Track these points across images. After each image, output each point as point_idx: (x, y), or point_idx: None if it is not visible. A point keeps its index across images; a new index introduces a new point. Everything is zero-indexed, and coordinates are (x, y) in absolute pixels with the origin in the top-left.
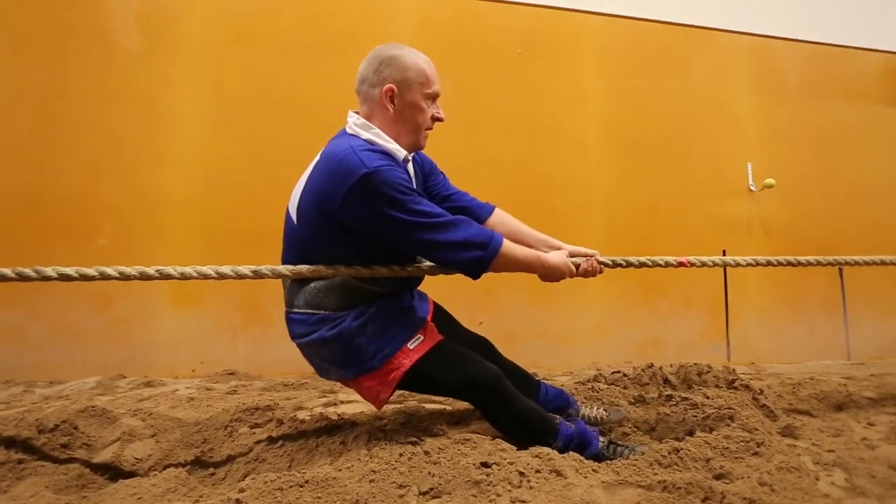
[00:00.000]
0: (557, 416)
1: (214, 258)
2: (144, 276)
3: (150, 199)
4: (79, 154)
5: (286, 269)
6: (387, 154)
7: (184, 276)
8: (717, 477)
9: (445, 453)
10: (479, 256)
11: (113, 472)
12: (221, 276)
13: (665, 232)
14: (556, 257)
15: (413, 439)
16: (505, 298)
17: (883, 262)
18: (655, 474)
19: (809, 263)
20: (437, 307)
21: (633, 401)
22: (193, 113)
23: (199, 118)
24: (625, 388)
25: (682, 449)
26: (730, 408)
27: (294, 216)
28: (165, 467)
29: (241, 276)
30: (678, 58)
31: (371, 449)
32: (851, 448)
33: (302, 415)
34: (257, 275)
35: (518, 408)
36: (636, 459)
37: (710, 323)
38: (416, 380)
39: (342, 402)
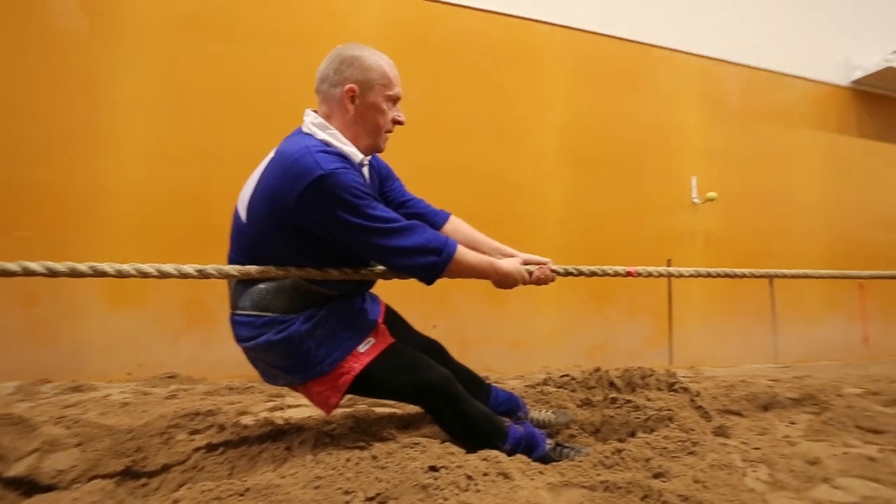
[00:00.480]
0: (507, 420)
1: (156, 255)
2: (75, 273)
3: (86, 189)
4: (3, 137)
5: (234, 269)
6: (343, 156)
7: (121, 274)
8: (656, 476)
9: (393, 458)
10: (433, 262)
11: (28, 486)
12: (164, 275)
13: (617, 241)
14: (510, 264)
15: (361, 444)
16: (460, 303)
17: (807, 276)
18: (598, 475)
19: (745, 276)
20: (389, 310)
21: (580, 404)
22: (138, 101)
23: (144, 106)
24: (573, 391)
25: (624, 450)
26: (669, 409)
27: (243, 214)
28: (91, 479)
29: (184, 276)
30: (635, 74)
31: (317, 454)
32: (775, 445)
33: (246, 420)
34: (203, 275)
35: (468, 411)
36: (581, 461)
37: (655, 329)
38: (366, 384)
39: (289, 407)
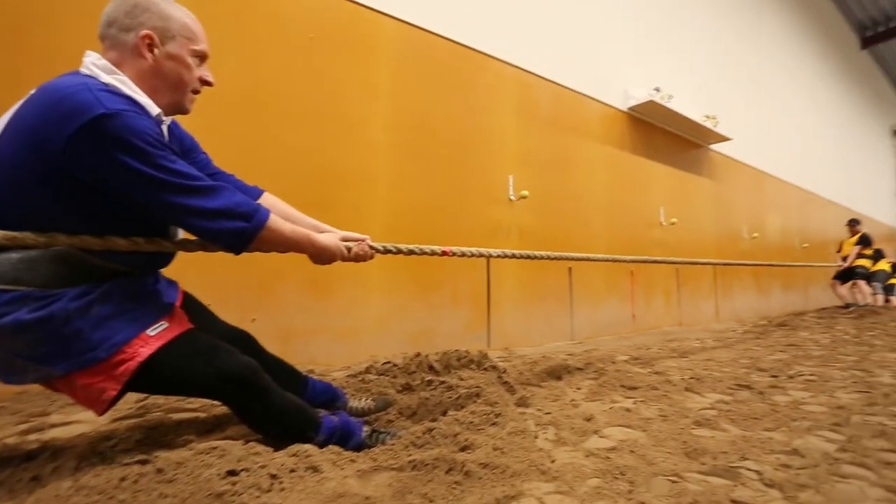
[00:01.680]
0: (321, 410)
1: None
2: None
3: None
4: None
5: None
6: (134, 103)
7: None
8: (463, 449)
9: (185, 468)
10: (242, 228)
11: None
12: None
13: (441, 233)
14: (328, 238)
15: (141, 458)
16: (281, 293)
17: (595, 259)
18: (409, 455)
19: (544, 258)
20: (189, 297)
21: (400, 389)
22: None
23: None
24: (394, 377)
25: (434, 428)
26: (478, 386)
27: None
28: None
29: None
30: (459, 75)
31: (79, 479)
32: (563, 408)
33: None
34: None
35: (276, 403)
36: (394, 443)
37: (474, 314)
38: (154, 374)
39: (54, 426)
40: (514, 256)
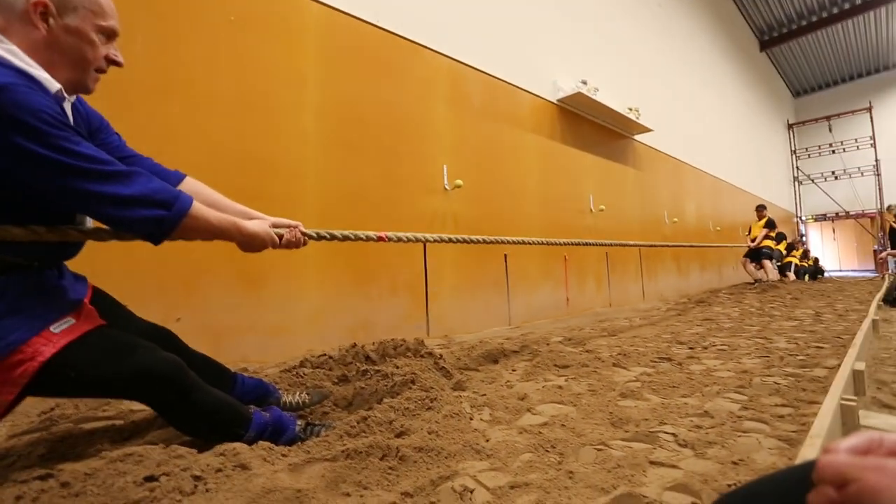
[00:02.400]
0: (252, 407)
1: None
2: None
3: None
4: None
5: None
6: (26, 76)
7: None
8: (398, 435)
9: (95, 479)
10: (161, 216)
11: None
12: None
13: (375, 222)
14: (257, 225)
15: (43, 473)
16: (209, 290)
17: (528, 243)
18: (344, 445)
19: (480, 241)
20: (100, 293)
21: (336, 380)
22: None
23: None
24: (330, 369)
25: (369, 416)
26: (413, 373)
27: None
28: None
29: None
30: (390, 63)
31: None
32: (498, 390)
33: None
34: None
35: (202, 400)
36: (328, 435)
37: (413, 304)
38: (60, 375)
39: None
40: (450, 241)
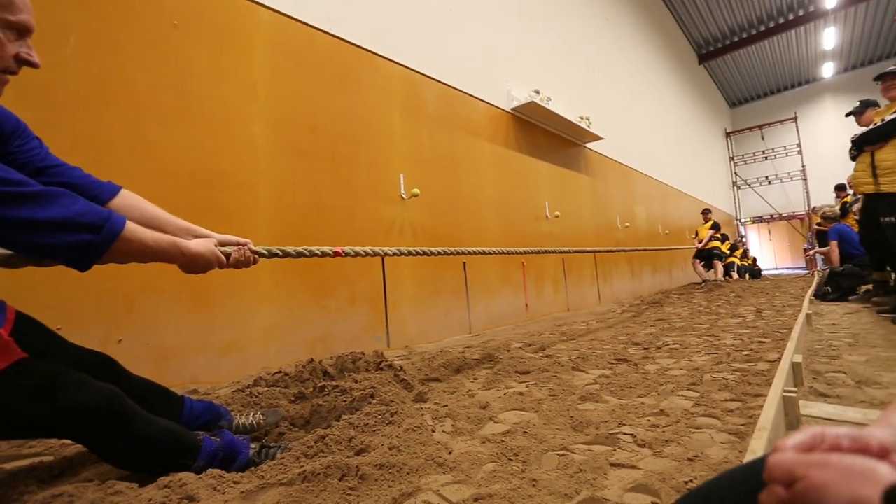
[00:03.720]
0: (200, 433)
1: None
2: None
3: None
4: None
5: None
6: None
7: None
8: (358, 452)
9: None
10: (88, 241)
11: None
12: None
13: (332, 234)
14: (201, 245)
15: None
16: (154, 308)
17: (486, 253)
18: (301, 467)
19: (440, 253)
20: (25, 319)
21: (293, 399)
22: None
23: None
24: (286, 387)
25: (327, 435)
26: (373, 387)
27: None
28: None
29: None
30: (344, 72)
31: None
32: (460, 399)
33: None
34: None
35: (143, 433)
36: (284, 457)
37: (372, 316)
38: None
39: None
40: (408, 254)
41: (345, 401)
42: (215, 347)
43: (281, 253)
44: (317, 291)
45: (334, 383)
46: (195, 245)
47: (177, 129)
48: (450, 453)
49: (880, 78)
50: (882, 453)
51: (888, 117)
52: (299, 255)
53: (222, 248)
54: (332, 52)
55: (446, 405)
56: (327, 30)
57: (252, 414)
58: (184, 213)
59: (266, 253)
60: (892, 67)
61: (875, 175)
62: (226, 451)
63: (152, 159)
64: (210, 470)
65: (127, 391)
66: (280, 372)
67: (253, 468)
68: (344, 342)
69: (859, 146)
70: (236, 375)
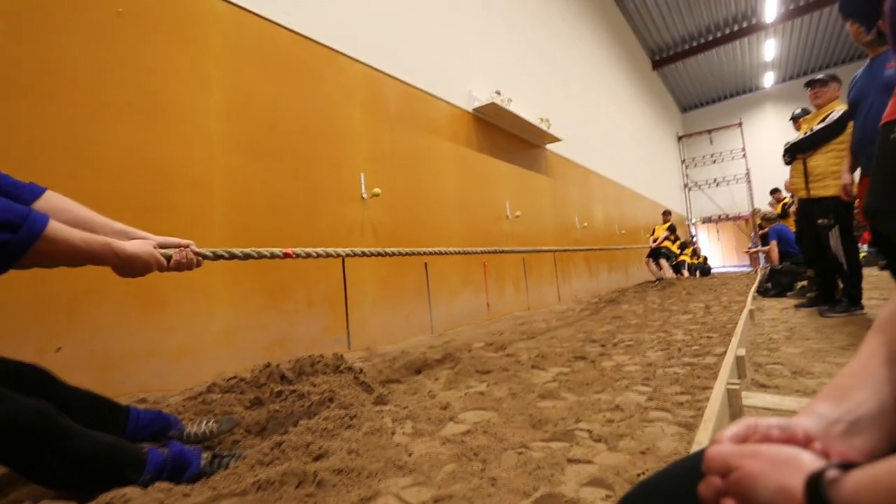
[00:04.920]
0: (146, 445)
1: None
2: None
3: None
4: None
5: None
6: None
7: None
8: (316, 458)
9: None
10: (5, 241)
11: None
12: None
13: (292, 234)
14: (137, 246)
15: None
16: (97, 313)
17: (447, 253)
18: (255, 476)
19: (398, 254)
20: None
21: (248, 405)
22: None
23: None
24: (241, 392)
25: (284, 441)
26: (332, 390)
27: None
28: None
29: None
30: (304, 69)
31: None
32: (421, 401)
33: None
34: None
35: (78, 448)
36: (238, 466)
37: (332, 317)
38: None
39: None
40: (364, 255)
41: (303, 405)
42: (166, 353)
43: (227, 255)
44: (274, 293)
45: (292, 388)
46: (131, 246)
47: (123, 126)
48: (410, 455)
49: (809, 85)
50: (806, 441)
51: (816, 127)
52: (247, 256)
53: (162, 251)
54: (291, 47)
55: (407, 407)
56: (286, 25)
57: (205, 422)
58: (133, 214)
59: (211, 255)
60: (821, 76)
61: (807, 181)
62: (174, 462)
63: (95, 156)
64: (158, 483)
65: (62, 405)
66: (235, 377)
67: (205, 479)
68: (303, 345)
69: (792, 153)
70: (189, 382)
